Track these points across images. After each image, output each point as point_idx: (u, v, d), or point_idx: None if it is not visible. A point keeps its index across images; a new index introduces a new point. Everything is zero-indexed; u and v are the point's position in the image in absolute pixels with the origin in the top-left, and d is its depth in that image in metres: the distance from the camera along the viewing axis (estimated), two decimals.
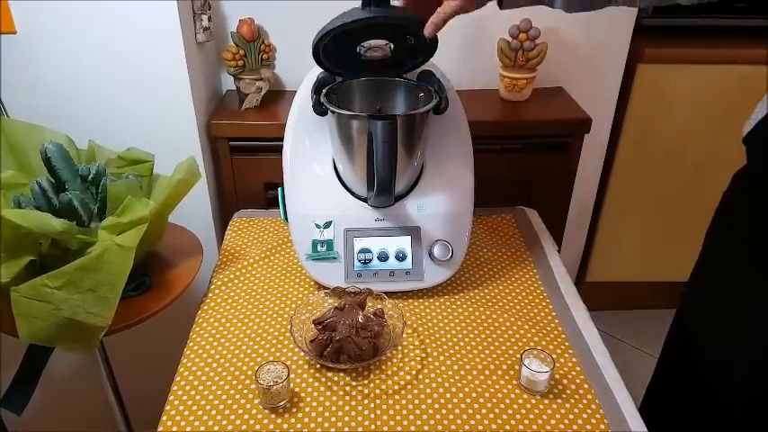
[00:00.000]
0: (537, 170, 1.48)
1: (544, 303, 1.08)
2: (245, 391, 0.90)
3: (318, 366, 0.93)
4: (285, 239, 1.24)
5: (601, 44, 1.57)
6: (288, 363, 0.92)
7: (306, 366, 0.94)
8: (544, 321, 1.04)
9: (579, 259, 2.02)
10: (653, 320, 2.13)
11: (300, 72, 1.13)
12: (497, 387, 0.90)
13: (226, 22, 1.46)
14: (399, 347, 0.97)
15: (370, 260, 1.07)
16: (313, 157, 1.11)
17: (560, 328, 1.02)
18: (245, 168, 1.42)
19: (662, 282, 2.08)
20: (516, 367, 0.93)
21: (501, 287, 1.12)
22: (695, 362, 0.98)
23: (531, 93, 1.51)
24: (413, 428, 0.84)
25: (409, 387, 0.90)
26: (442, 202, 1.09)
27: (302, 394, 0.89)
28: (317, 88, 1.02)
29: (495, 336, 1.00)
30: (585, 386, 0.91)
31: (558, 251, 1.27)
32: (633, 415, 0.86)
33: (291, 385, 0.89)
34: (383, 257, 1.07)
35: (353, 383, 0.91)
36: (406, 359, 0.95)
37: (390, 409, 0.86)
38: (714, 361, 0.95)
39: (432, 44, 0.99)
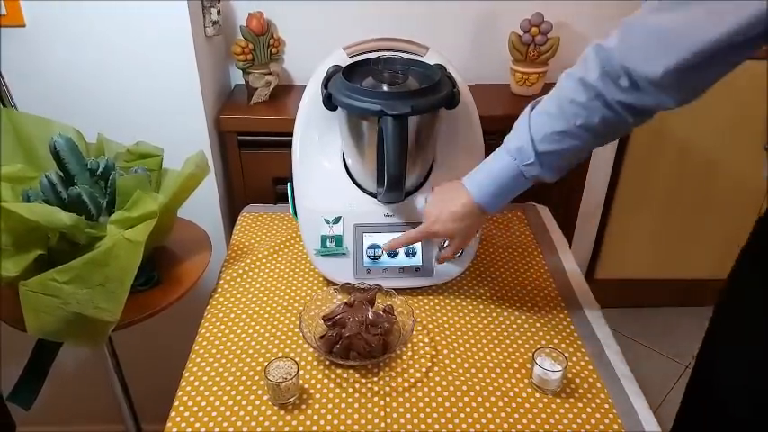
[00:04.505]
0: None
1: (556, 301, 1.07)
2: (255, 387, 0.89)
3: (328, 363, 0.93)
4: (294, 235, 1.23)
5: None
6: (297, 359, 0.91)
7: (315, 363, 0.93)
8: (556, 319, 1.03)
9: (589, 256, 2.00)
10: (663, 318, 2.12)
11: (309, 66, 1.12)
12: (509, 386, 0.89)
13: (235, 15, 1.45)
14: (409, 345, 0.96)
15: (380, 256, 1.06)
16: (322, 152, 1.10)
17: (572, 327, 1.01)
18: (253, 163, 1.41)
19: (673, 279, 2.07)
20: (528, 366, 0.92)
21: (512, 284, 1.11)
22: (720, 402, 0.94)
23: (543, 87, 1.49)
24: (423, 427, 0.83)
25: (419, 385, 0.89)
26: None
27: (311, 391, 0.88)
28: (326, 83, 1.01)
29: (506, 333, 0.99)
30: (598, 385, 0.89)
31: (569, 248, 1.25)
32: (647, 414, 0.85)
33: (301, 382, 0.89)
34: (393, 253, 1.06)
35: (363, 380, 0.90)
36: (416, 356, 0.94)
37: (400, 407, 0.86)
38: (740, 405, 0.91)
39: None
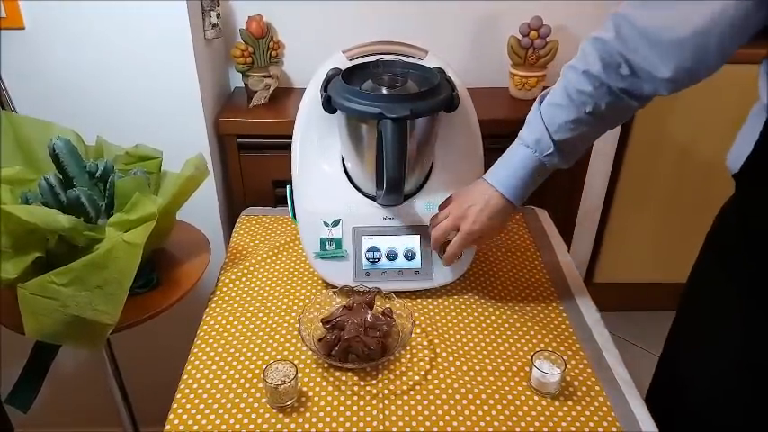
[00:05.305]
0: None
1: (554, 304, 1.07)
2: (253, 390, 0.89)
3: (326, 366, 0.93)
4: (293, 237, 1.23)
5: None
6: (296, 362, 0.91)
7: (314, 366, 0.93)
8: (555, 322, 1.03)
9: (588, 259, 2.00)
10: (661, 322, 2.11)
11: (309, 69, 1.12)
12: (507, 389, 0.89)
13: (235, 18, 1.46)
14: (408, 347, 0.96)
15: (379, 259, 1.06)
16: (322, 155, 1.10)
17: (571, 330, 1.01)
18: (253, 166, 1.42)
19: (672, 283, 2.06)
20: (527, 368, 0.91)
21: (511, 287, 1.11)
22: (684, 403, 0.96)
23: (542, 91, 1.49)
24: (422, 429, 0.83)
25: (418, 387, 0.89)
26: None
27: (310, 393, 0.88)
28: (326, 86, 1.01)
29: (504, 336, 0.99)
30: (597, 388, 0.89)
31: (568, 251, 1.25)
32: (645, 417, 0.85)
33: (299, 384, 0.89)
34: (392, 256, 1.06)
35: (362, 383, 0.90)
36: (415, 359, 0.94)
37: (399, 410, 0.86)
38: (705, 404, 0.92)
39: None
